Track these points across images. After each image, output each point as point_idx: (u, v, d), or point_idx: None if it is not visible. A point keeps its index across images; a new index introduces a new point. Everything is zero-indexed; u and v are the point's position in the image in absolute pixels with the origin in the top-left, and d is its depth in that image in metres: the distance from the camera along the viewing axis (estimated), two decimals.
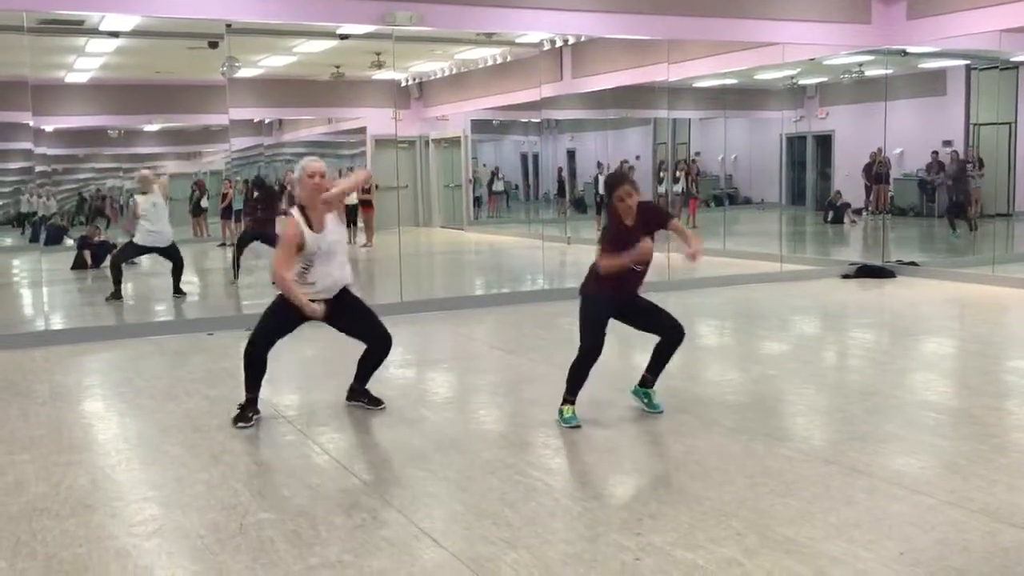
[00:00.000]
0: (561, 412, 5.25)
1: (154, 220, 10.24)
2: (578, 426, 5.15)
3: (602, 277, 5.25)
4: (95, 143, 16.34)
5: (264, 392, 6.32)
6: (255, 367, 5.47)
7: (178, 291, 10.72)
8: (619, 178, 5.34)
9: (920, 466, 4.44)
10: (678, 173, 17.37)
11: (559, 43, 12.65)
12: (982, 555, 3.40)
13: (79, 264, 13.47)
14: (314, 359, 7.52)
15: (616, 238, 5.20)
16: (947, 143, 16.15)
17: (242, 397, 5.52)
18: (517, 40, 12.28)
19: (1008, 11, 10.08)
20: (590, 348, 5.26)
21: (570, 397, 5.27)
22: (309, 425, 5.41)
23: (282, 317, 5.45)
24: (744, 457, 4.63)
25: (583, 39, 12.35)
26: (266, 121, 17.17)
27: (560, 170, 18.95)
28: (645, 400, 5.49)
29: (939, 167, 16.05)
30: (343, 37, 10.81)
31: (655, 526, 3.79)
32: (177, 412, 5.78)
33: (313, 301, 5.30)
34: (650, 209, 5.40)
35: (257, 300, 10.65)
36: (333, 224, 5.42)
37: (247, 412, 5.44)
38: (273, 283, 5.66)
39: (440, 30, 10.38)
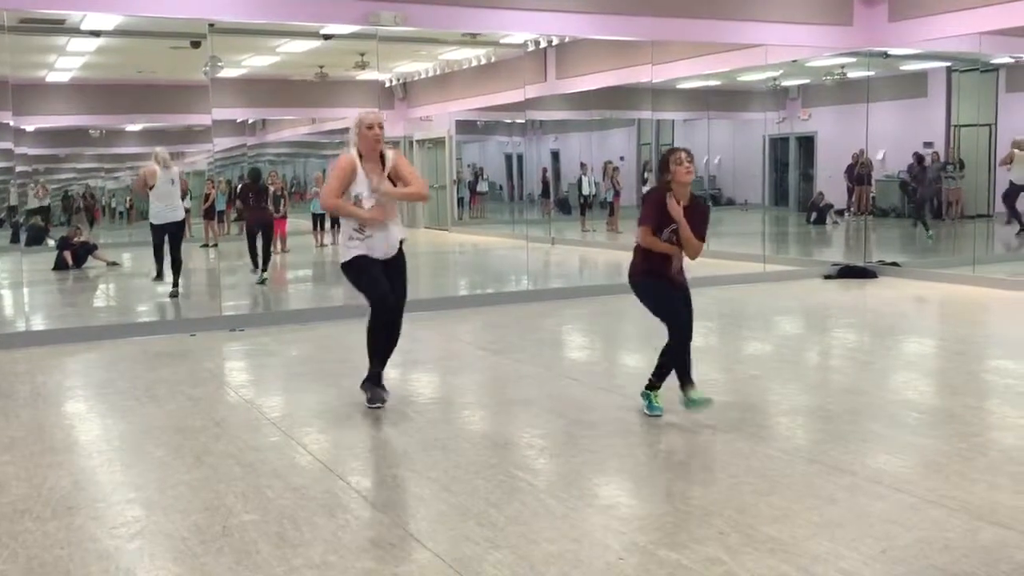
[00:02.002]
0: (647, 396, 5.35)
1: (171, 196, 10.41)
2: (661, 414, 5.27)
3: (647, 266, 5.23)
4: (76, 143, 16.23)
5: (248, 393, 6.32)
6: (378, 334, 5.52)
7: (174, 287, 10.73)
8: (678, 149, 5.20)
9: (901, 465, 4.47)
10: None
11: (543, 44, 12.68)
12: (963, 553, 3.43)
13: (60, 265, 13.39)
14: (298, 359, 7.50)
15: (658, 210, 5.09)
16: (928, 144, 16.28)
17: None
18: (501, 41, 12.29)
19: (988, 14, 10.17)
20: (680, 328, 5.23)
21: (655, 381, 5.34)
22: (293, 426, 5.40)
23: (366, 271, 5.44)
24: (728, 456, 4.65)
25: (567, 40, 12.38)
26: (249, 121, 17.10)
27: (544, 171, 18.98)
28: (689, 405, 5.33)
29: (920, 168, 16.18)
30: (327, 37, 10.78)
31: (639, 525, 3.80)
32: (159, 413, 5.75)
33: (366, 258, 5.37)
34: (701, 208, 5.30)
35: (239, 301, 10.64)
36: (386, 182, 5.42)
37: (378, 389, 5.55)
38: (323, 213, 5.87)
39: (424, 30, 10.37)
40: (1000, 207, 14.82)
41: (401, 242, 5.60)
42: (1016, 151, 13.93)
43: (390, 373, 7.01)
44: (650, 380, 5.41)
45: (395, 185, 5.45)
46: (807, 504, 3.95)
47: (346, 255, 5.51)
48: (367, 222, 5.34)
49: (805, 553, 3.45)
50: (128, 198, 17.33)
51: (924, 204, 15.58)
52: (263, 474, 4.52)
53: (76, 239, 13.87)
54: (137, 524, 3.93)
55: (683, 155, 5.10)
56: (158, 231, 10.53)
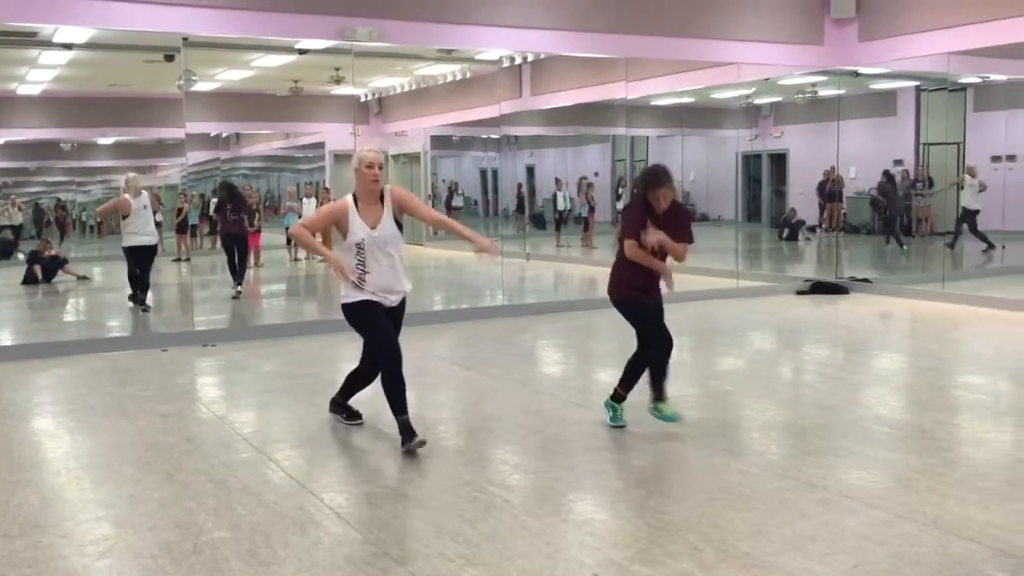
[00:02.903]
0: (613, 407, 5.42)
1: (146, 222, 10.54)
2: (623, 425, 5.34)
3: (632, 281, 5.27)
4: (47, 156, 16.09)
5: (220, 409, 6.26)
6: (395, 382, 5.12)
7: (144, 303, 10.81)
8: (662, 175, 5.18)
9: (873, 480, 4.51)
10: (636, 190, 17.51)
11: (518, 60, 12.73)
12: (934, 568, 3.46)
13: (30, 279, 13.24)
14: (271, 375, 7.45)
15: (638, 222, 5.14)
16: (897, 162, 16.49)
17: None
18: (477, 57, 12.33)
19: (956, 34, 10.34)
20: (665, 342, 5.28)
21: (623, 392, 5.40)
22: (265, 442, 5.35)
23: (366, 317, 5.12)
24: (702, 472, 4.66)
25: (542, 56, 12.44)
26: (223, 135, 17.02)
27: (520, 186, 19.03)
28: (658, 414, 5.38)
29: (891, 186, 16.38)
30: (302, 52, 10.77)
31: (613, 541, 3.80)
32: (130, 430, 5.69)
33: (372, 303, 5.08)
34: (682, 211, 5.34)
35: (211, 316, 10.56)
36: (388, 222, 5.10)
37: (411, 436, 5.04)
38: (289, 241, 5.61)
39: (400, 46, 10.38)
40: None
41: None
42: (967, 176, 14.23)
43: (364, 391, 6.98)
44: (616, 391, 5.46)
45: (398, 219, 5.13)
46: (780, 519, 3.97)
47: (348, 296, 5.12)
48: (332, 264, 5.00)
49: (778, 568, 3.47)
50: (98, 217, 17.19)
51: (895, 220, 15.81)
52: (235, 491, 4.48)
53: (46, 253, 13.73)
54: (106, 542, 3.88)
55: (666, 192, 5.12)
56: (131, 254, 10.63)
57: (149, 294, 10.84)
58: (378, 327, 5.13)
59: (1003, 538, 3.71)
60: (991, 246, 14.28)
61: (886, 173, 16.19)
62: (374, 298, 5.12)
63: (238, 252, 11.99)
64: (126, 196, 10.59)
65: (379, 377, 5.26)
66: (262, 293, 13.49)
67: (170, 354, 8.21)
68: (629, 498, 4.32)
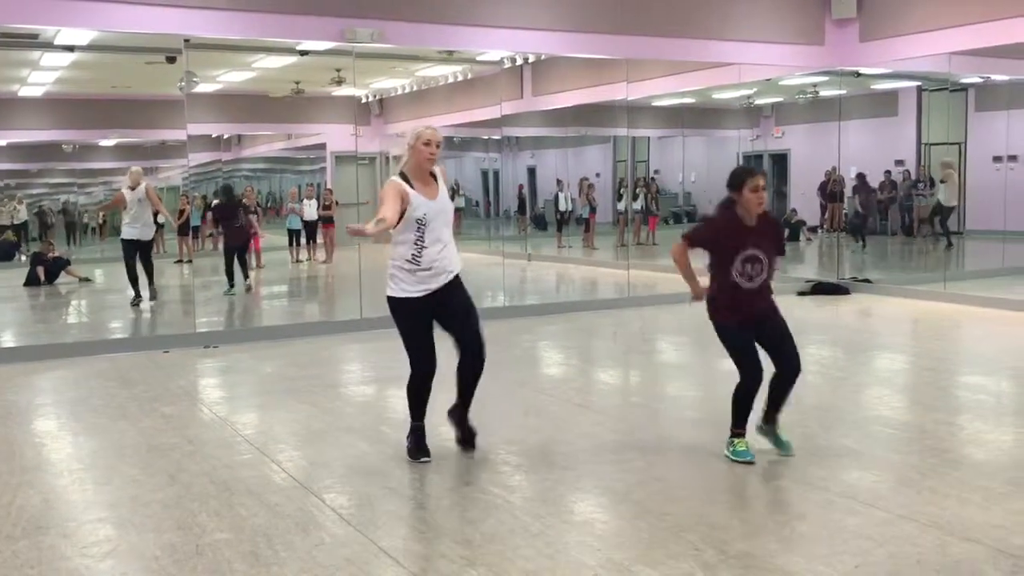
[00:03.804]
0: (732, 444, 4.78)
1: (141, 215, 10.71)
2: (752, 461, 4.69)
3: (722, 300, 4.76)
4: (49, 158, 16.11)
5: (222, 410, 6.28)
6: (419, 393, 4.95)
7: (151, 293, 10.96)
8: (752, 168, 4.79)
9: (874, 480, 4.51)
10: (638, 190, 17.53)
11: (519, 61, 12.73)
12: (934, 568, 3.46)
13: (32, 280, 13.25)
14: (272, 376, 7.46)
15: (717, 231, 4.71)
16: (899, 162, 16.49)
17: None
18: (478, 58, 12.34)
19: (957, 34, 10.33)
20: (749, 379, 4.73)
21: (738, 430, 4.78)
22: (267, 443, 5.36)
23: (414, 332, 4.88)
24: (702, 473, 4.66)
25: (543, 58, 12.44)
26: (224, 136, 17.04)
27: (521, 187, 19.04)
28: (771, 438, 4.92)
29: (891, 186, 16.37)
30: (303, 53, 10.78)
31: (615, 542, 3.80)
32: (132, 431, 5.70)
33: (420, 299, 4.80)
34: (774, 225, 4.89)
35: (213, 317, 10.58)
36: (444, 194, 4.91)
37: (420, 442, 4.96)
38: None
39: (401, 47, 10.40)
40: (972, 225, 15.06)
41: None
42: (949, 171, 14.32)
43: (365, 390, 7.00)
44: (732, 431, 4.86)
45: (453, 197, 4.94)
46: (781, 519, 3.98)
47: (393, 289, 4.88)
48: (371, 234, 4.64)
49: (779, 569, 3.47)
50: (101, 213, 17.22)
51: (864, 222, 15.96)
52: (237, 492, 4.48)
53: (49, 254, 13.75)
54: (109, 543, 3.88)
55: (761, 182, 4.67)
56: (123, 247, 10.86)
57: (148, 286, 10.94)
58: (418, 348, 4.90)
59: (1003, 538, 3.71)
60: (949, 245, 14.38)
61: (859, 176, 16.22)
62: (418, 294, 4.82)
63: (239, 255, 12.06)
64: (124, 189, 10.82)
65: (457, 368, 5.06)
66: (263, 294, 13.49)
67: (172, 355, 8.22)
68: (630, 499, 4.33)
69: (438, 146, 4.86)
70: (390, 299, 4.93)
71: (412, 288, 4.84)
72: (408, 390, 5.00)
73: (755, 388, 4.75)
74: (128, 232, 10.81)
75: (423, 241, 4.79)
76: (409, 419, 5.04)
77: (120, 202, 10.85)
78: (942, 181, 14.50)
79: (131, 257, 10.81)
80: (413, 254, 4.80)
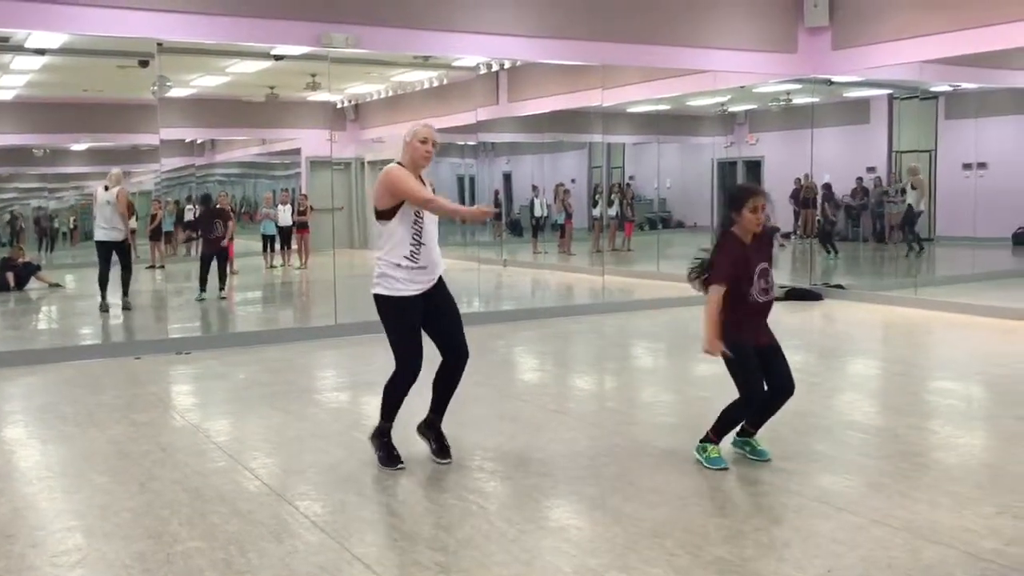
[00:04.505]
0: (706, 451, 4.77)
1: (108, 218, 10.67)
2: (726, 468, 4.70)
3: (737, 322, 4.69)
4: (19, 162, 15.93)
5: (194, 417, 6.22)
6: (399, 394, 4.89)
7: (124, 303, 10.85)
8: (753, 188, 4.83)
9: (846, 485, 4.54)
10: (613, 196, 17.60)
11: (495, 67, 12.75)
12: (905, 572, 3.49)
13: (1, 286, 13.09)
14: (246, 383, 7.41)
15: (735, 262, 4.66)
16: (871, 169, 16.65)
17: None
18: (453, 64, 12.34)
19: (928, 43, 10.47)
20: (756, 398, 4.71)
21: (717, 439, 4.78)
22: (240, 450, 5.32)
23: (407, 331, 4.80)
24: (677, 478, 4.68)
25: (519, 64, 12.47)
26: (198, 141, 16.92)
27: (496, 193, 19.05)
28: (747, 449, 4.92)
29: (863, 193, 16.53)
30: (278, 58, 10.74)
31: (589, 548, 3.80)
32: (102, 438, 5.63)
33: (414, 297, 4.73)
34: (767, 233, 4.89)
35: (186, 323, 10.49)
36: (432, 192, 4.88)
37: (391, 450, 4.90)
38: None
39: (376, 52, 10.38)
40: (942, 231, 15.24)
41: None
42: (918, 177, 14.51)
43: (339, 397, 6.97)
44: (743, 427, 4.91)
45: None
46: (755, 524, 4.00)
47: (387, 287, 4.80)
48: (471, 218, 4.71)
49: (753, 573, 3.49)
50: (72, 218, 17.05)
51: (830, 233, 16.19)
52: (209, 500, 4.44)
53: (19, 260, 13.58)
54: (78, 552, 3.84)
55: (761, 202, 4.71)
56: (97, 247, 10.84)
57: (122, 295, 10.84)
58: (412, 345, 4.82)
59: (974, 542, 3.75)
60: (921, 250, 14.66)
61: (825, 186, 16.42)
62: (414, 292, 4.77)
63: (218, 261, 12.04)
64: (98, 189, 10.84)
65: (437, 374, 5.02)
66: (236, 300, 13.40)
67: (143, 362, 8.14)
68: (605, 504, 4.33)
69: (435, 145, 4.85)
70: (383, 298, 4.83)
71: (406, 287, 4.78)
72: (389, 390, 4.92)
73: (755, 407, 4.77)
74: (97, 234, 10.79)
75: (420, 237, 4.77)
76: (380, 421, 4.96)
77: (94, 200, 10.89)
78: (913, 187, 14.68)
79: (104, 259, 10.72)
80: (412, 251, 4.75)
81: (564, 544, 3.83)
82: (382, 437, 4.98)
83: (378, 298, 4.86)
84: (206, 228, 12.19)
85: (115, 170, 11.06)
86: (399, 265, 4.77)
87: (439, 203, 4.82)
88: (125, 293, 10.89)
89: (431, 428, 5.08)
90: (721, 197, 18.34)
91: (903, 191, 15.37)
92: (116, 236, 10.74)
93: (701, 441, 4.85)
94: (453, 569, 3.57)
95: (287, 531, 4.02)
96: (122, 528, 4.09)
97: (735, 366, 4.76)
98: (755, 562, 3.59)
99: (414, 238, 4.76)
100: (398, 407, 4.95)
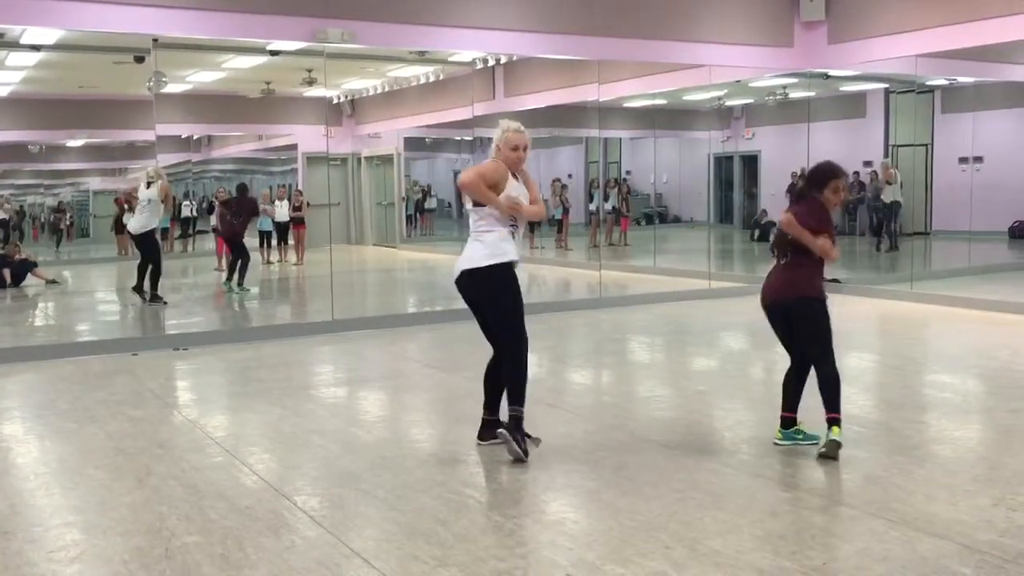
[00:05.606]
0: (838, 433, 4.79)
1: (139, 210, 10.81)
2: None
3: (821, 274, 4.93)
4: (15, 159, 15.90)
5: (192, 413, 6.22)
6: (525, 369, 4.94)
7: (155, 296, 10.81)
8: (836, 170, 4.96)
9: (842, 477, 4.56)
10: (609, 191, 17.61)
11: (492, 62, 12.74)
12: (901, 564, 3.50)
13: None
14: (243, 378, 7.41)
15: (825, 220, 4.86)
16: (867, 163, 16.66)
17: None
18: (450, 59, 12.33)
19: (924, 37, 10.47)
20: (834, 358, 4.89)
21: (839, 414, 4.83)
22: (238, 446, 5.33)
23: (516, 287, 4.90)
24: (673, 471, 4.69)
25: (515, 59, 12.46)
26: (194, 137, 16.90)
27: None
28: (800, 437, 5.00)
29: (859, 187, 16.54)
30: (274, 53, 10.73)
31: (586, 541, 3.82)
32: (100, 434, 5.64)
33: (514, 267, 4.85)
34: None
35: (183, 319, 10.49)
36: (522, 188, 4.96)
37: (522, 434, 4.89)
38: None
39: (372, 48, 10.37)
40: (938, 225, 15.25)
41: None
42: (892, 171, 14.54)
43: (337, 392, 6.98)
44: (828, 420, 4.89)
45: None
46: (751, 518, 4.01)
47: (501, 254, 4.82)
48: (505, 210, 4.75)
49: (749, 566, 3.50)
50: (69, 215, 17.02)
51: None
52: (207, 495, 4.45)
53: (16, 256, 13.56)
54: (76, 548, 3.84)
55: (844, 184, 4.95)
56: (143, 238, 10.94)
57: (146, 286, 10.83)
58: (522, 310, 4.92)
59: (969, 534, 3.76)
60: (892, 248, 14.72)
61: (856, 175, 16.38)
62: (518, 258, 4.91)
63: (233, 253, 12.21)
64: (141, 189, 10.97)
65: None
66: (232, 298, 13.39)
67: (141, 358, 8.14)
68: (601, 498, 4.34)
69: (526, 149, 4.93)
70: (500, 267, 4.83)
71: (515, 253, 4.90)
72: (521, 371, 4.91)
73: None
74: (134, 225, 10.95)
75: (515, 221, 4.94)
76: (515, 409, 4.84)
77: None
78: (888, 182, 14.71)
79: (156, 250, 10.90)
80: (511, 224, 4.91)
81: (561, 537, 3.84)
82: (521, 425, 4.87)
83: (495, 269, 4.83)
84: (236, 215, 12.39)
85: (152, 166, 11.10)
86: (508, 234, 4.89)
87: (495, 202, 4.84)
88: (138, 283, 10.95)
89: (507, 429, 4.89)
90: (717, 192, 18.37)
91: (878, 194, 15.37)
92: (134, 228, 10.87)
93: (831, 426, 4.80)
94: (450, 562, 3.59)
95: (285, 526, 4.03)
96: (120, 523, 4.10)
97: (821, 323, 4.90)
98: (751, 554, 3.61)
99: (511, 219, 4.92)
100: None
